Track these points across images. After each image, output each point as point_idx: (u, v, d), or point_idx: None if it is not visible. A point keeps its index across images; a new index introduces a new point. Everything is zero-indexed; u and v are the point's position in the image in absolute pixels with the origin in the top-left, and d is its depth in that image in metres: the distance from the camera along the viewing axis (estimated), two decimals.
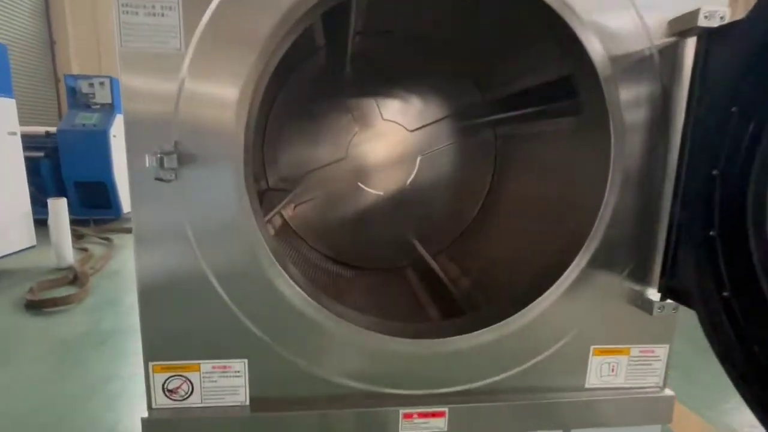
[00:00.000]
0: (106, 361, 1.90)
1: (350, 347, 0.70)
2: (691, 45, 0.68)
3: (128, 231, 4.37)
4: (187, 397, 0.69)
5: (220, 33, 0.59)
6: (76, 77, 4.50)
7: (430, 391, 0.74)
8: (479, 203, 1.47)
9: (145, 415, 0.68)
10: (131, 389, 1.66)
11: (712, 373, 1.52)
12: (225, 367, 0.68)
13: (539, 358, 0.76)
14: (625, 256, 0.75)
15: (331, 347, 0.70)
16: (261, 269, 0.66)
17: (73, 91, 4.45)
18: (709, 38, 0.65)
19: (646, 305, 0.72)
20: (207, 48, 0.59)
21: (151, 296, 0.66)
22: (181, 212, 0.63)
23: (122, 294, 2.74)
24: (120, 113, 4.47)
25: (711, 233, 0.63)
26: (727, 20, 0.63)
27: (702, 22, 0.63)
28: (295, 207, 1.47)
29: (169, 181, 0.60)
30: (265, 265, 0.66)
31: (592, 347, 0.78)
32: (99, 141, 4.28)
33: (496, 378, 0.76)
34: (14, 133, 3.05)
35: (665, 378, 0.81)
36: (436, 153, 1.48)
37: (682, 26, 0.66)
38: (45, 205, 3.44)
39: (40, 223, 3.25)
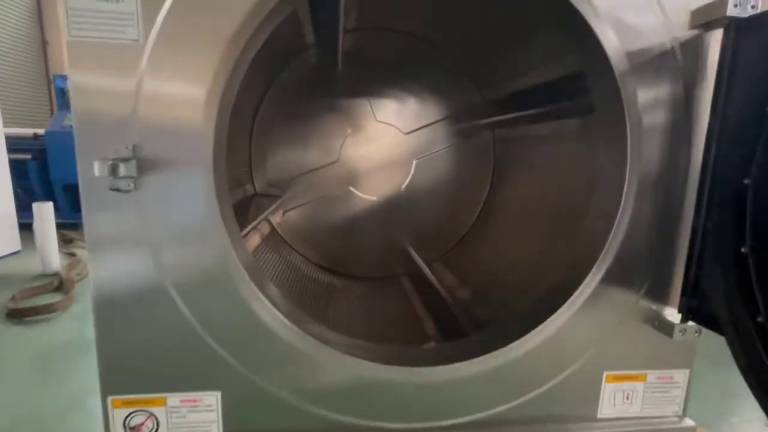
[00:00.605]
0: (89, 372, 1.82)
1: (337, 376, 0.62)
2: (717, 38, 0.61)
3: None
4: None
5: (184, 21, 0.52)
6: (65, 77, 4.39)
7: (428, 424, 0.66)
8: (478, 209, 1.40)
9: None
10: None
11: (716, 384, 1.45)
12: (195, 400, 0.60)
13: (547, 385, 0.69)
14: (643, 272, 0.67)
15: (316, 376, 0.62)
16: (234, 290, 0.58)
17: (62, 92, 4.35)
18: (738, 30, 0.58)
19: (666, 327, 0.65)
20: (170, 38, 0.52)
21: (108, 322, 0.57)
22: (141, 227, 0.55)
23: None
24: None
25: (742, 249, 0.56)
26: (759, 9, 0.56)
27: (731, 12, 0.56)
28: (283, 213, 1.39)
29: (127, 191, 0.52)
30: (238, 285, 0.58)
31: (605, 373, 0.70)
32: None
33: (501, 408, 0.68)
34: None
35: (685, 407, 0.73)
36: (432, 156, 1.40)
37: (708, 17, 0.59)
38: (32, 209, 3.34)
39: (27, 227, 3.15)
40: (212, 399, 0.61)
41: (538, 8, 0.71)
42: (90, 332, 2.20)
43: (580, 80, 0.74)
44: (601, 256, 0.66)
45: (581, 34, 0.61)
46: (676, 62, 0.62)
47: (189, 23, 0.52)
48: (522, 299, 0.85)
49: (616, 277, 0.67)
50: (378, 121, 1.37)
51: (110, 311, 0.57)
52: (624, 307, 0.68)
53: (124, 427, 0.60)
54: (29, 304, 2.49)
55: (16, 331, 2.24)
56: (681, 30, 0.62)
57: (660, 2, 0.61)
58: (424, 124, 1.39)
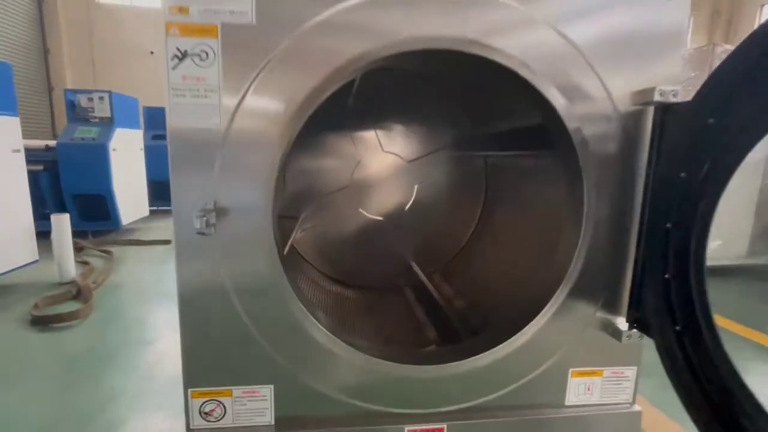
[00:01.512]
0: (114, 377, 1.97)
1: (364, 374, 0.81)
2: (651, 114, 0.80)
3: (127, 243, 4.42)
4: (221, 419, 0.79)
5: (252, 113, 0.70)
6: (75, 91, 4.56)
7: (431, 410, 0.85)
8: (471, 228, 1.59)
9: None
10: (140, 406, 1.73)
11: None
12: (254, 392, 0.79)
13: (526, 379, 0.88)
14: (599, 291, 0.87)
15: (347, 374, 0.81)
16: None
17: (72, 105, 4.51)
18: (663, 111, 0.77)
19: (616, 334, 0.84)
20: (241, 125, 0.70)
21: (191, 333, 0.76)
22: (218, 262, 0.74)
23: (125, 308, 2.81)
24: (119, 127, 4.54)
25: (666, 276, 0.75)
26: (679, 98, 0.75)
27: (657, 98, 0.75)
28: (300, 231, 1.58)
29: (208, 234, 0.71)
30: (287, 300, 0.76)
31: (570, 369, 0.89)
32: (98, 154, 4.34)
33: (489, 397, 0.87)
34: (18, 150, 3.12)
35: (634, 395, 0.92)
36: (432, 181, 1.60)
37: (642, 99, 0.79)
38: (44, 218, 3.50)
39: (40, 236, 3.30)
40: (267, 391, 0.79)
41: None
42: (111, 339, 2.38)
43: (544, 131, 0.92)
44: (566, 277, 0.85)
45: (538, 101, 0.80)
46: (620, 129, 0.82)
47: (256, 114, 0.70)
48: (508, 309, 1.04)
49: (578, 294, 0.86)
50: (384, 151, 1.56)
51: (191, 321, 0.76)
52: (585, 317, 0.87)
53: (200, 412, 0.78)
54: (52, 312, 2.64)
55: (42, 338, 2.40)
56: (623, 105, 0.82)
57: (605, 84, 0.80)
58: (424, 153, 1.59)
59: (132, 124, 4.88)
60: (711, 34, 14.25)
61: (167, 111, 0.69)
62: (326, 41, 0.70)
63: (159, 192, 5.80)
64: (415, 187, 1.59)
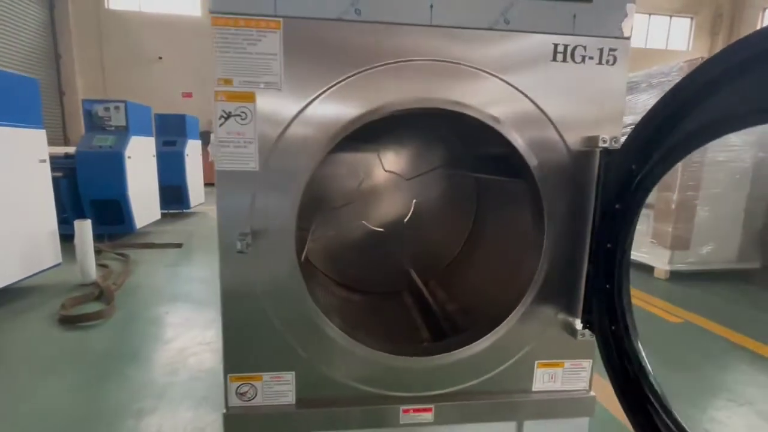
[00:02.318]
0: (140, 372, 2.17)
1: (367, 363, 1.01)
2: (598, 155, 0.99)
3: (142, 246, 4.64)
4: (253, 399, 0.99)
5: (281, 158, 0.91)
6: (92, 101, 4.79)
7: (421, 393, 1.05)
8: (463, 239, 1.79)
9: (224, 411, 0.99)
10: (166, 397, 1.93)
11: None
12: (279, 377, 0.99)
13: (499, 369, 1.07)
14: (559, 297, 1.06)
15: (356, 364, 1.01)
16: (309, 315, 0.97)
17: (89, 114, 4.73)
18: (607, 154, 0.96)
19: (573, 332, 1.03)
20: (273, 167, 0.91)
21: (231, 329, 0.96)
22: (251, 272, 0.94)
23: (144, 309, 3.02)
24: (134, 135, 4.76)
25: (607, 286, 0.95)
26: (619, 145, 0.95)
27: (601, 144, 0.95)
28: (311, 241, 1.78)
29: (246, 253, 0.91)
30: (311, 312, 0.97)
31: (536, 361, 1.09)
32: (114, 162, 4.57)
33: (469, 384, 1.07)
34: (44, 161, 3.34)
35: (590, 383, 1.12)
36: (428, 197, 1.79)
37: (590, 144, 0.98)
38: (63, 222, 3.72)
39: (60, 239, 3.51)
40: (290, 377, 0.99)
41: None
42: (135, 337, 2.62)
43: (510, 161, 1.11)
44: (531, 286, 1.05)
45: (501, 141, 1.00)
46: (574, 166, 1.01)
47: (284, 158, 0.91)
48: (488, 311, 1.24)
49: (541, 300, 1.06)
50: (385, 170, 1.76)
51: (230, 320, 0.96)
52: (547, 319, 1.07)
53: (236, 393, 0.98)
54: (78, 312, 2.86)
55: (71, 336, 2.61)
56: (576, 146, 1.01)
57: (559, 130, 0.99)
58: (421, 172, 1.78)
59: (145, 132, 5.11)
60: (713, 37, 14.34)
61: (215, 160, 0.89)
62: (333, 107, 0.90)
63: (169, 196, 6.03)
64: (413, 202, 1.79)
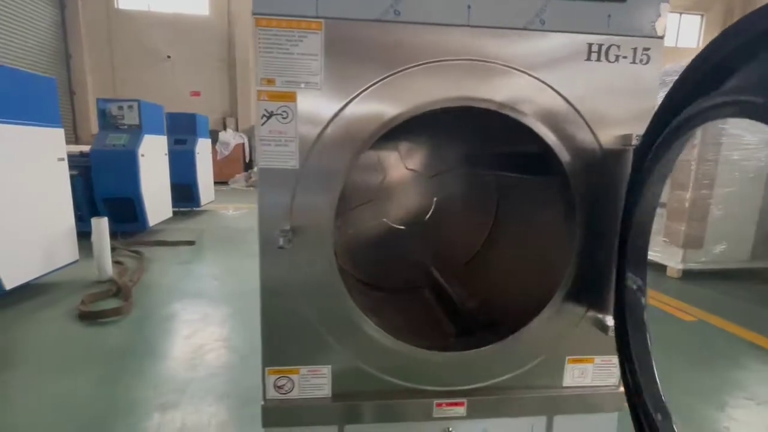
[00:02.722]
0: (160, 368, 2.21)
1: (401, 358, 1.03)
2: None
3: (155, 244, 4.69)
4: (290, 392, 1.02)
5: (320, 156, 0.93)
6: (106, 101, 4.84)
7: (454, 387, 1.07)
8: (484, 236, 1.80)
9: (262, 403, 1.01)
10: (188, 392, 1.97)
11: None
12: (316, 370, 1.01)
13: (530, 364, 1.09)
14: (590, 293, 1.07)
15: (391, 358, 1.03)
16: (345, 310, 0.99)
17: (103, 114, 4.79)
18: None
19: (603, 328, 1.05)
20: (312, 165, 0.93)
21: (269, 323, 0.98)
22: (290, 268, 0.96)
23: (161, 305, 3.06)
24: (147, 134, 4.80)
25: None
26: None
27: (633, 142, 0.96)
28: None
29: (286, 248, 0.93)
30: (347, 307, 0.99)
31: (567, 357, 1.10)
32: (128, 160, 4.62)
33: (500, 378, 1.09)
34: (62, 159, 3.38)
35: (618, 379, 1.13)
36: (449, 195, 1.81)
37: (624, 142, 0.99)
38: (78, 219, 3.76)
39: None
40: (326, 370, 1.01)
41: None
42: (152, 334, 2.66)
43: (544, 160, 1.13)
44: (562, 283, 1.06)
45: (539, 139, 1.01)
46: (606, 164, 1.02)
47: (324, 156, 0.93)
48: (514, 308, 1.25)
49: (572, 296, 1.07)
50: (407, 168, 1.78)
51: (269, 314, 0.98)
52: (578, 315, 1.08)
53: (273, 386, 1.01)
54: (97, 308, 2.90)
55: (91, 332, 2.65)
56: (609, 144, 1.02)
57: (595, 134, 1.01)
58: (442, 170, 1.80)
59: (158, 131, 5.15)
60: None
61: (258, 158, 0.91)
62: (371, 106, 0.92)
63: (179, 195, 6.08)
64: (434, 199, 1.80)
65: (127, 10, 11.17)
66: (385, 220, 1.81)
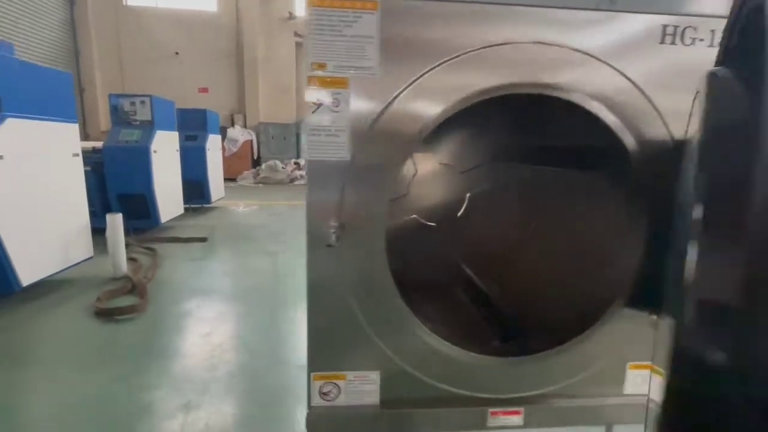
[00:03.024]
0: (179, 367, 2.16)
1: (453, 363, 0.96)
2: None
3: (167, 240, 4.66)
4: (336, 398, 0.95)
5: (372, 149, 0.86)
6: (118, 96, 4.80)
7: (510, 395, 1.00)
8: (520, 235, 1.73)
9: (307, 411, 0.95)
10: (209, 393, 1.92)
11: None
12: (364, 376, 0.95)
13: (589, 371, 1.02)
14: (655, 296, 1.00)
15: (442, 363, 0.96)
16: (400, 317, 0.93)
17: (115, 109, 4.75)
18: None
19: None
20: (363, 158, 0.86)
21: (315, 327, 0.92)
22: (338, 268, 0.90)
23: (176, 303, 3.01)
24: (159, 130, 4.76)
25: None
26: None
27: None
28: None
29: (335, 246, 0.86)
30: (403, 315, 0.92)
31: (628, 363, 1.03)
32: (140, 156, 4.58)
33: (558, 386, 1.02)
34: (77, 155, 3.35)
35: None
36: (482, 190, 1.73)
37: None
38: (91, 215, 3.73)
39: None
40: (375, 376, 0.95)
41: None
42: (169, 332, 2.61)
43: (599, 152, 1.05)
44: (623, 284, 0.99)
45: (597, 124, 0.93)
46: (676, 157, 0.94)
47: (375, 150, 0.86)
48: (565, 312, 1.18)
49: (635, 300, 1.00)
50: (440, 163, 1.71)
51: (315, 317, 0.92)
52: (641, 318, 1.01)
53: (319, 393, 0.95)
54: (113, 305, 2.86)
55: (108, 329, 2.61)
56: (681, 135, 0.94)
57: (666, 124, 0.93)
58: (475, 164, 1.73)
59: (169, 127, 5.11)
60: None
61: (306, 149, 0.85)
62: (431, 92, 0.85)
63: (190, 191, 6.04)
64: (467, 195, 1.73)
65: (136, 6, 11.15)
66: (415, 216, 1.74)
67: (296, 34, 11.35)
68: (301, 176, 10.06)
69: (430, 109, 0.85)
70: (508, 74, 0.86)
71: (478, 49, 0.84)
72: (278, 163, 9.97)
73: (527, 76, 0.87)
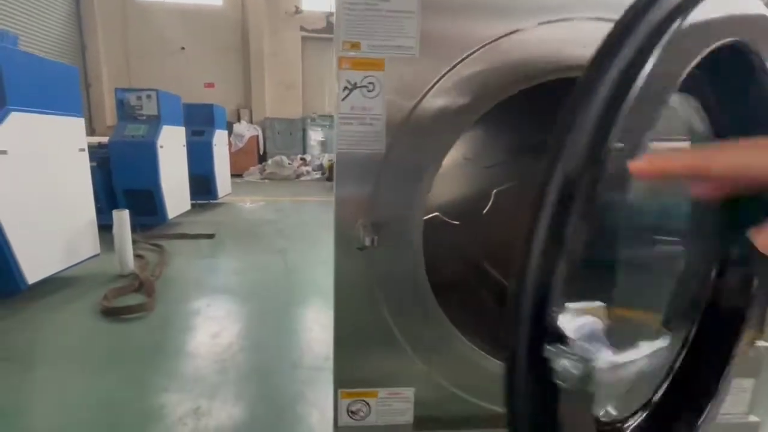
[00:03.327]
0: (188, 367, 2.09)
1: (494, 378, 0.86)
2: None
3: (174, 237, 4.59)
4: (366, 417, 0.86)
5: (409, 140, 0.76)
6: (125, 90, 4.73)
7: None
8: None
9: (333, 430, 0.86)
10: (219, 397, 1.84)
11: None
12: (398, 393, 0.85)
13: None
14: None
15: (483, 379, 0.86)
16: (438, 328, 0.83)
17: (121, 104, 4.68)
18: None
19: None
20: (400, 150, 0.76)
21: (343, 340, 0.83)
22: (370, 272, 0.80)
23: (185, 301, 2.95)
24: (166, 125, 4.68)
25: None
26: None
27: None
28: None
29: (368, 248, 0.77)
30: (443, 327, 0.83)
31: None
32: (147, 151, 4.50)
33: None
34: (83, 150, 3.27)
35: (750, 406, 0.95)
36: (509, 187, 1.63)
37: None
38: (98, 212, 3.67)
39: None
40: (408, 393, 0.85)
41: None
42: (178, 331, 2.53)
43: None
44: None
45: None
46: None
47: (413, 141, 0.76)
48: None
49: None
50: (464, 158, 1.60)
51: (345, 325, 0.82)
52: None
53: (347, 411, 0.85)
54: (120, 304, 2.80)
55: (115, 328, 2.54)
56: None
57: None
58: (501, 159, 1.62)
59: (176, 121, 5.04)
60: None
61: (335, 140, 0.75)
62: (478, 75, 0.75)
63: (197, 187, 5.98)
64: (493, 192, 1.63)
65: (142, 0, 11.07)
66: (437, 213, 1.64)
67: (303, 29, 11.23)
68: (308, 172, 9.98)
69: (480, 92, 0.75)
70: (564, 53, 0.75)
71: (529, 28, 0.73)
72: (284, 158, 9.89)
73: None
